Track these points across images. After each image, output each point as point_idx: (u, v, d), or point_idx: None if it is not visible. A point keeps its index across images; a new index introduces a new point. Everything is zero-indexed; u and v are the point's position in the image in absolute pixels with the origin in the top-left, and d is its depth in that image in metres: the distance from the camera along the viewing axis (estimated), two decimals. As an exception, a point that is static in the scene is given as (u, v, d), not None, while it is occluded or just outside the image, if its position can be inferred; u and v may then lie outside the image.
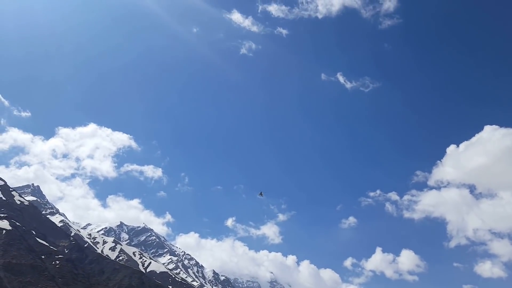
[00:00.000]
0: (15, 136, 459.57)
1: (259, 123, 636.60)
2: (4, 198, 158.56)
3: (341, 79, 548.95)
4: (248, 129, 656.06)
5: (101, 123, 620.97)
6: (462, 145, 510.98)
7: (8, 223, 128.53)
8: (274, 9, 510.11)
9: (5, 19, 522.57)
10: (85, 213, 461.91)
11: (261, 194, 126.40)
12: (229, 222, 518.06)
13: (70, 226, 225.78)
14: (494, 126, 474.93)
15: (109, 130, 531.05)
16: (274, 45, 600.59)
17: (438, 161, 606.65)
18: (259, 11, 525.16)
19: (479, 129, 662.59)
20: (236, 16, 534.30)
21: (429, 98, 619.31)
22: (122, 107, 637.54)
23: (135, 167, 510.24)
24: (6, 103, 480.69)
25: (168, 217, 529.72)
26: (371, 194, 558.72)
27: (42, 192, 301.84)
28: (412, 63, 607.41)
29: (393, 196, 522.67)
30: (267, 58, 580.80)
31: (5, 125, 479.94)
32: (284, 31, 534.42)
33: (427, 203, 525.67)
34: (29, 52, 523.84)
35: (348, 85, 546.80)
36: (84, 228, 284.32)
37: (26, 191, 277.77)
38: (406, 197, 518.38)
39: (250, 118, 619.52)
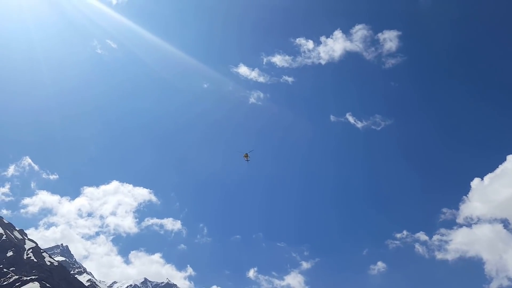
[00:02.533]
0: (44, 198, 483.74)
1: (273, 169, 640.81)
2: (35, 260, 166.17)
3: (350, 119, 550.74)
4: (262, 176, 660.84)
5: (123, 179, 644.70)
6: (487, 178, 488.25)
7: (39, 285, 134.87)
8: (278, 59, 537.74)
9: (29, 87, 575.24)
10: (109, 271, 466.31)
11: (246, 156, 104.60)
12: (251, 273, 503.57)
13: (96, 285, 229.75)
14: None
15: (130, 186, 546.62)
16: (282, 93, 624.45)
17: (464, 197, 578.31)
18: (264, 63, 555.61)
19: (502, 159, 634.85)
20: (243, 69, 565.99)
21: (445, 131, 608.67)
22: (143, 162, 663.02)
23: (155, 221, 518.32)
24: (36, 167, 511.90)
25: (190, 270, 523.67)
26: (398, 235, 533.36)
27: (70, 251, 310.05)
28: (423, 98, 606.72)
29: (422, 236, 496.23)
30: (275, 105, 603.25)
31: (35, 188, 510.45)
32: (290, 79, 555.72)
33: (460, 242, 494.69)
34: (55, 115, 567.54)
35: (359, 124, 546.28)
36: (110, 286, 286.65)
37: (56, 251, 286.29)
38: (435, 237, 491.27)
39: (264, 165, 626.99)
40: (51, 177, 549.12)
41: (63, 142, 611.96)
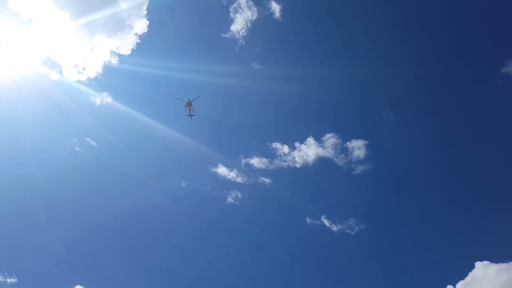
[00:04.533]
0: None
1: (249, 272, 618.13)
2: None
3: (326, 222, 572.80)
4: (237, 278, 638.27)
5: (88, 284, 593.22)
6: (459, 286, 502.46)
7: None
8: (256, 161, 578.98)
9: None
10: None
11: (189, 104, 72.48)
12: None
13: None
14: (485, 262, 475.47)
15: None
16: (259, 193, 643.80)
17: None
18: (242, 164, 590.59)
19: (471, 266, 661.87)
20: (222, 170, 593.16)
21: (416, 237, 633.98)
22: (111, 266, 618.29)
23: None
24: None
25: None
26: None
27: None
28: (392, 204, 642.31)
29: None
30: (252, 206, 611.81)
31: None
32: (267, 180, 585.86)
33: None
34: (19, 216, 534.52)
35: (334, 228, 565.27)
36: None
37: None
38: None
39: (240, 267, 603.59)
40: (9, 280, 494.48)
41: (26, 243, 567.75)
